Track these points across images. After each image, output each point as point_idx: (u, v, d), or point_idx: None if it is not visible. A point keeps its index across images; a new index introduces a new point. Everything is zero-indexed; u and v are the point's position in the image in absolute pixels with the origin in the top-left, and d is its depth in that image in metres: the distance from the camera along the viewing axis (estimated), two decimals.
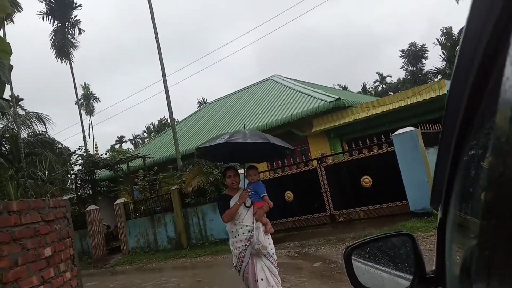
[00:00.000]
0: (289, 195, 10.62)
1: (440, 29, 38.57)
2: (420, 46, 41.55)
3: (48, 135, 21.60)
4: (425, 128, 9.89)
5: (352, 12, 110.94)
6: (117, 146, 51.43)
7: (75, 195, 17.17)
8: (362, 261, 1.26)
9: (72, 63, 27.36)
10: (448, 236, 1.05)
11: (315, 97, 15.62)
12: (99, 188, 17.18)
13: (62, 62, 27.50)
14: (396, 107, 13.10)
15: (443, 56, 34.94)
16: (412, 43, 42.18)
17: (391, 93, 33.50)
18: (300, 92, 17.29)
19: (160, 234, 13.43)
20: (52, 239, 3.28)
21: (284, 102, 17.22)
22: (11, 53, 4.31)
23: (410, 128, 9.02)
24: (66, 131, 42.15)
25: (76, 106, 28.50)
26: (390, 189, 9.25)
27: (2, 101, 4.55)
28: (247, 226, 4.10)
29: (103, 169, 18.29)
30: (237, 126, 17.11)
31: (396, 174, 8.93)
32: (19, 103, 25.16)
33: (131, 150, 30.69)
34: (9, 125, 19.89)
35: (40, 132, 21.54)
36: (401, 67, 43.19)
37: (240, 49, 42.42)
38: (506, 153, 0.43)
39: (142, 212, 14.15)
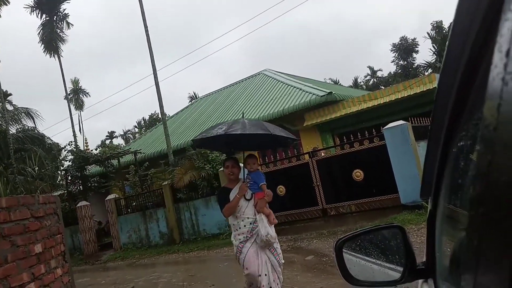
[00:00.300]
0: (281, 189, 10.65)
1: (431, 23, 38.84)
2: (411, 40, 41.71)
3: (38, 131, 21.38)
4: (416, 121, 9.96)
5: (343, 6, 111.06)
6: (107, 142, 51.02)
7: (66, 191, 17.02)
8: (353, 253, 1.27)
9: (61, 57, 27.10)
10: (438, 228, 1.06)
11: (306, 91, 15.63)
12: (89, 184, 17.06)
13: (50, 57, 27.23)
14: (387, 101, 13.18)
15: (434, 50, 35.17)
16: (403, 37, 42.31)
17: (382, 87, 33.63)
18: (291, 86, 17.29)
19: (152, 230, 13.40)
20: (42, 236, 3.25)
21: (276, 96, 17.21)
22: None
23: (400, 122, 9.08)
24: (55, 126, 42.01)
25: (66, 101, 28.24)
26: (381, 183, 9.32)
27: None
28: (248, 218, 3.95)
29: (93, 165, 18.16)
30: (229, 120, 17.04)
31: (387, 168, 8.99)
32: (7, 98, 24.83)
33: (122, 146, 30.47)
34: None
35: (29, 127, 21.32)
36: (392, 61, 43.35)
37: (230, 43, 42.36)
38: (493, 145, 0.44)
39: (133, 207, 14.08)
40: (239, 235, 3.98)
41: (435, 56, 34.42)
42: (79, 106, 33.40)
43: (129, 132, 58.79)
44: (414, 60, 41.91)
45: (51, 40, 26.61)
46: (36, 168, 16.14)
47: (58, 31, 27.08)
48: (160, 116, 18.94)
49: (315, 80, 23.88)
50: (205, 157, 12.07)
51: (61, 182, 18.77)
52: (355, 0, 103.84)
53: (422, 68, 39.30)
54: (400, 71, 42.35)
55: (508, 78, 0.41)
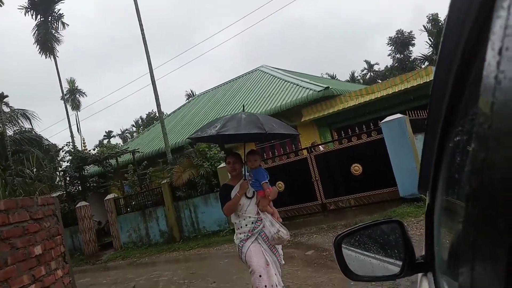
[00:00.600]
0: (280, 185, 10.66)
1: (427, 16, 38.77)
2: (407, 33, 41.71)
3: (35, 132, 21.36)
4: (413, 114, 9.97)
5: (338, 0, 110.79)
6: (105, 141, 50.94)
7: (65, 192, 17.00)
8: (352, 248, 1.27)
9: (57, 57, 26.96)
10: (436, 222, 1.06)
11: (303, 87, 15.63)
12: (88, 184, 17.04)
13: (46, 57, 27.08)
14: (384, 94, 13.18)
15: (430, 43, 35.22)
16: (399, 30, 42.32)
17: (379, 81, 33.64)
18: (288, 82, 17.28)
19: (152, 228, 13.41)
20: (42, 237, 3.25)
21: (273, 92, 17.21)
22: None
23: (398, 115, 9.09)
24: (53, 127, 41.83)
25: (62, 101, 28.15)
26: (380, 176, 9.34)
27: None
28: (250, 217, 3.80)
29: (92, 165, 18.12)
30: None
31: (385, 161, 9.01)
32: (4, 100, 24.69)
33: (120, 145, 30.42)
34: None
35: (27, 129, 21.26)
36: (389, 55, 43.38)
37: (226, 40, 42.22)
38: (489, 138, 0.44)
39: (133, 207, 14.08)
40: (240, 234, 3.86)
41: (431, 49, 34.45)
42: (76, 106, 33.26)
43: (126, 131, 58.74)
44: (411, 53, 41.97)
45: (46, 40, 26.48)
46: (34, 170, 16.12)
47: (53, 31, 26.95)
48: (157, 114, 18.91)
49: (312, 75, 23.88)
50: (203, 154, 12.07)
51: (59, 183, 18.74)
52: None
53: (418, 61, 39.39)
54: (396, 64, 42.37)
55: (501, 74, 0.42)
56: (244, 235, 3.81)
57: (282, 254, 3.97)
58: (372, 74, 49.03)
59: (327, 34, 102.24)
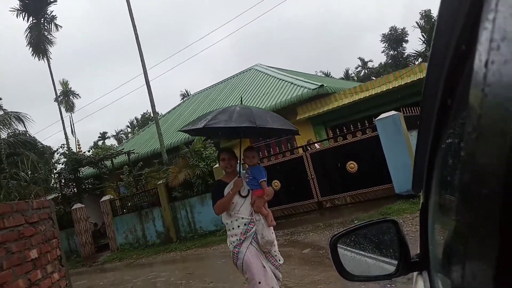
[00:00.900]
0: (276, 184, 10.67)
1: (419, 12, 38.88)
2: (400, 30, 41.82)
3: (29, 135, 21.14)
4: (408, 111, 10.01)
5: None
6: (100, 143, 50.68)
7: (60, 194, 16.93)
8: (348, 248, 1.27)
9: (50, 59, 26.75)
10: (430, 220, 1.07)
11: (298, 85, 15.65)
12: (83, 186, 16.98)
13: (39, 60, 26.86)
14: (379, 91, 13.22)
15: (423, 39, 35.36)
16: (392, 27, 42.37)
17: (373, 78, 33.71)
18: (283, 80, 17.29)
19: (149, 229, 13.38)
20: (38, 241, 3.24)
21: (268, 91, 17.21)
22: None
23: (392, 112, 9.12)
24: (47, 129, 41.51)
25: (56, 103, 27.97)
26: (375, 173, 9.38)
27: None
28: (243, 218, 3.54)
29: (87, 167, 18.06)
30: None
31: (380, 158, 9.04)
32: None
33: (115, 146, 30.28)
34: None
35: (21, 132, 21.08)
36: (382, 52, 43.45)
37: (220, 40, 42.15)
38: (480, 136, 0.44)
39: (129, 208, 14.04)
40: (232, 237, 3.60)
41: (425, 45, 34.59)
42: (70, 108, 33.00)
43: (121, 132, 58.41)
44: (404, 50, 42.08)
45: (39, 42, 26.26)
46: (29, 172, 15.99)
47: (46, 33, 26.71)
48: (152, 115, 18.85)
49: (306, 73, 23.91)
50: (199, 154, 12.06)
51: (55, 185, 18.64)
52: None
53: (412, 58, 39.52)
54: (390, 61, 42.47)
55: (490, 73, 0.42)
56: (237, 239, 3.56)
57: (278, 254, 3.76)
58: (366, 71, 49.11)
59: (321, 32, 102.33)
